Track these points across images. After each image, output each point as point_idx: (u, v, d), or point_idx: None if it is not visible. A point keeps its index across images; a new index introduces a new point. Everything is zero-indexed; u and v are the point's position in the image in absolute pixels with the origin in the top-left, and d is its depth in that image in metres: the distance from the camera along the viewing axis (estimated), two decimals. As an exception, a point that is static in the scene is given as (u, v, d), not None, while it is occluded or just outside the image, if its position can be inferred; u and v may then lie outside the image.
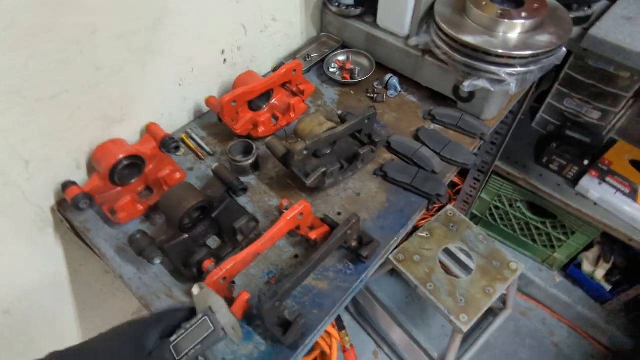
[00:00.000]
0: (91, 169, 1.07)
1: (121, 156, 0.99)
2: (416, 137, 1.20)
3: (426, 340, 2.04)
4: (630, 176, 1.66)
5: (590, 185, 1.69)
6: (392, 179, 1.10)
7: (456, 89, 1.23)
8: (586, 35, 1.26)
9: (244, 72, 1.23)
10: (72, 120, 0.96)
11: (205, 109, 1.27)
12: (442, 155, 1.15)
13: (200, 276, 0.90)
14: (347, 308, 2.12)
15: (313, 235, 0.93)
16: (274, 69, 1.36)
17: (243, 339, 0.85)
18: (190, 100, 1.22)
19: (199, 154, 1.16)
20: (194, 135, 1.19)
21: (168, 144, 1.06)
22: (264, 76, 1.29)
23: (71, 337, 1.39)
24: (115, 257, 0.97)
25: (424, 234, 1.67)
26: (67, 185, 0.99)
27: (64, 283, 1.23)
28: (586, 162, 1.71)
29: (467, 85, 1.13)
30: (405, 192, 1.09)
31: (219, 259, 0.94)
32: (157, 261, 0.90)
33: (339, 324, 1.72)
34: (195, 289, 0.78)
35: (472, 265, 1.61)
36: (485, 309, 1.50)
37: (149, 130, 1.10)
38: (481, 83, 1.11)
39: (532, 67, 1.08)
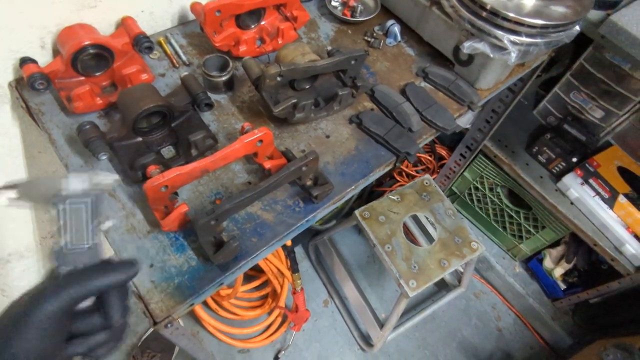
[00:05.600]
0: (57, 52, 1.01)
1: (87, 42, 0.93)
2: (402, 92, 1.14)
3: (377, 300, 2.09)
4: (613, 182, 1.63)
5: (572, 183, 1.66)
6: (366, 127, 1.05)
7: (456, 49, 1.15)
8: (606, 20, 1.18)
9: (239, -16, 1.14)
10: (38, -9, 0.89)
11: (192, 16, 1.19)
12: (423, 114, 1.10)
13: (144, 180, 0.87)
14: (307, 255, 2.14)
15: (267, 164, 0.90)
16: (273, -11, 1.26)
17: (176, 250, 0.84)
18: (175, 3, 1.14)
19: (174, 61, 1.10)
20: (172, 41, 1.13)
21: (141, 42, 0.99)
22: (259, -6, 1.20)
23: (24, 222, 1.39)
24: (65, 146, 0.94)
25: (394, 197, 1.65)
26: (25, 61, 0.94)
27: (19, 166, 1.20)
28: (574, 160, 1.67)
29: (467, 47, 1.06)
30: (375, 144, 1.05)
31: (168, 168, 0.91)
32: (103, 156, 0.87)
33: (294, 267, 1.74)
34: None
35: (435, 236, 1.61)
36: (436, 279, 1.51)
37: (124, 24, 1.03)
38: (482, 47, 1.04)
39: (538, 39, 1.01)
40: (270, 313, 1.88)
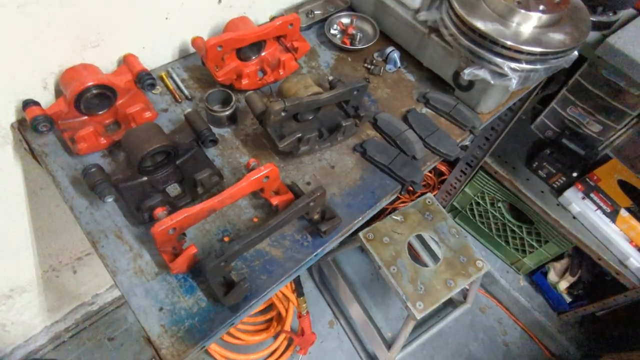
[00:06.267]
0: (60, 92, 1.01)
1: (90, 83, 0.93)
2: (405, 119, 1.14)
3: (383, 319, 2.07)
4: (615, 196, 1.63)
5: (573, 198, 1.67)
6: (371, 157, 1.05)
7: (456, 75, 1.16)
8: (603, 42, 1.19)
9: (238, 16, 1.15)
10: (40, 36, 0.89)
11: (192, 49, 1.19)
12: (426, 141, 1.10)
13: (151, 221, 0.86)
14: (311, 276, 2.13)
15: (275, 200, 0.90)
16: (272, 20, 1.27)
17: (185, 292, 0.84)
18: (176, 38, 1.15)
19: (177, 95, 1.10)
20: (174, 75, 1.13)
21: (144, 80, 1.00)
22: (259, 25, 1.21)
23: (26, 257, 1.37)
24: (69, 188, 0.93)
25: (398, 218, 1.65)
26: (28, 103, 0.94)
27: (20, 204, 1.20)
28: (575, 175, 1.68)
29: (467, 73, 1.07)
30: (380, 173, 1.05)
31: (174, 207, 0.91)
32: (109, 199, 0.86)
33: (299, 290, 1.73)
34: None
35: (440, 254, 1.61)
36: (443, 300, 1.50)
37: (126, 61, 1.04)
38: (482, 73, 1.05)
39: (538, 66, 1.02)
40: (275, 337, 1.87)
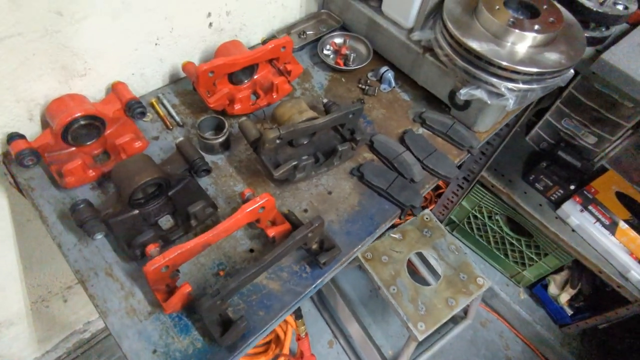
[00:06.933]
0: (46, 123, 0.98)
1: (77, 114, 0.90)
2: (401, 140, 1.13)
3: (383, 337, 2.04)
4: (613, 208, 1.62)
5: (571, 210, 1.65)
6: (368, 181, 1.03)
7: (452, 94, 1.15)
8: (598, 58, 1.19)
9: (230, 40, 1.13)
10: (24, 67, 0.86)
11: (183, 74, 1.17)
12: (424, 163, 1.08)
13: (143, 258, 0.83)
14: (309, 294, 2.09)
15: (272, 232, 0.87)
16: (264, 42, 1.25)
17: (180, 331, 0.80)
18: (166, 63, 1.12)
19: (168, 122, 1.07)
20: (165, 102, 1.10)
21: (133, 108, 0.97)
22: (251, 48, 1.19)
23: (14, 290, 1.32)
24: (57, 224, 0.89)
25: (396, 235, 1.62)
26: (13, 137, 0.90)
27: (7, 237, 1.15)
28: (572, 187, 1.67)
29: (463, 93, 1.05)
30: (379, 198, 1.03)
31: (167, 242, 0.87)
32: (99, 236, 0.83)
33: (297, 313, 1.69)
34: None
35: (440, 271, 1.58)
36: (444, 320, 1.48)
37: (115, 90, 1.01)
38: (478, 93, 1.03)
39: (534, 86, 1.01)
40: (274, 361, 1.82)
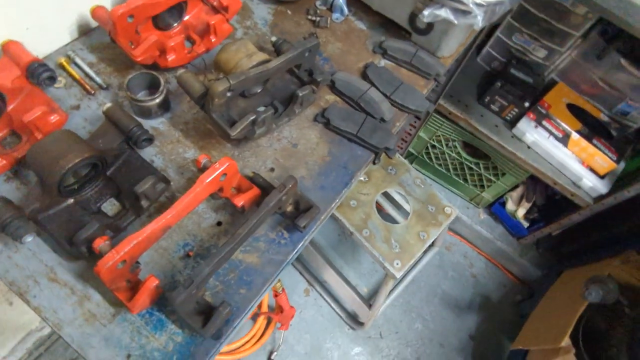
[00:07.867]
0: None
1: (-38, 90, 0.70)
2: (364, 76, 1.02)
3: (356, 276, 2.06)
4: (565, 121, 1.66)
5: (526, 128, 1.67)
6: (336, 127, 0.93)
7: (413, 17, 1.04)
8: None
9: (145, -26, 0.91)
10: None
11: (94, 23, 0.95)
12: (392, 99, 0.99)
13: (91, 255, 0.70)
14: (278, 248, 2.04)
15: (239, 200, 0.76)
16: (189, -26, 1.04)
17: (153, 328, 0.70)
18: (70, 11, 0.90)
19: (87, 86, 0.88)
20: (78, 61, 0.90)
21: (38, 73, 0.77)
22: (174, -18, 0.98)
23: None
24: (-30, 230, 0.72)
25: (362, 178, 1.56)
26: None
27: None
28: (527, 104, 1.67)
29: (427, 15, 0.94)
30: (349, 144, 0.93)
31: (117, 230, 0.74)
32: (28, 238, 0.68)
33: (270, 270, 1.63)
34: None
35: (408, 207, 1.57)
36: (418, 255, 1.48)
37: (7, 52, 0.79)
38: (443, 13, 0.93)
39: (503, -1, 0.92)
40: (254, 319, 1.79)
